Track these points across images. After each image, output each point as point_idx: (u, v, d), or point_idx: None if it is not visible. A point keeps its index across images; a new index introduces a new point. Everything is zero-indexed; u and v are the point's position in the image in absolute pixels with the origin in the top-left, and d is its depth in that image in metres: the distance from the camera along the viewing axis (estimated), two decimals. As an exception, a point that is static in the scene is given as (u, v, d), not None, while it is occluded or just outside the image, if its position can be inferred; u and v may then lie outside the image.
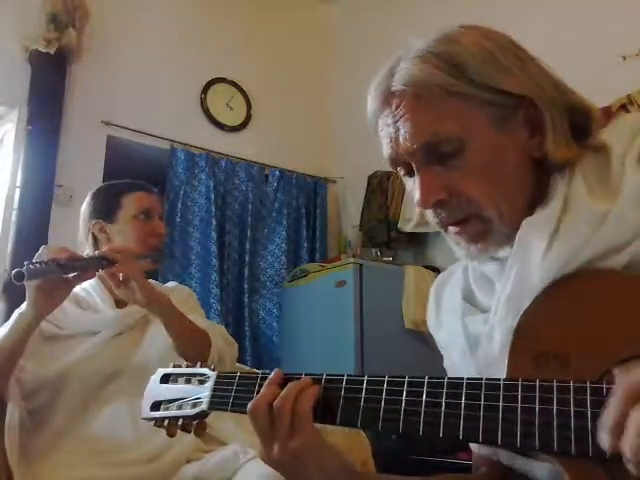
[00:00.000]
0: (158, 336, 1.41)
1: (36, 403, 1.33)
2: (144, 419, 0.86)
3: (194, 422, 0.82)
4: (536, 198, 0.72)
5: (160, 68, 3.64)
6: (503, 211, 0.71)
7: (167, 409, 0.84)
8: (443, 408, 0.62)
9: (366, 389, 0.68)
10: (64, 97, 3.24)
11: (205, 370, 0.84)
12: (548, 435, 0.56)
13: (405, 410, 0.64)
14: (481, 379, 0.61)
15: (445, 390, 0.63)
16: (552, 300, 0.65)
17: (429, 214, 0.75)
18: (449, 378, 0.64)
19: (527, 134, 0.72)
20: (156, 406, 0.85)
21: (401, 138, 0.72)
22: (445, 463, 2.38)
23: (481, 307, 0.78)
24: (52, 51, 3.12)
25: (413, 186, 0.74)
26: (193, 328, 1.39)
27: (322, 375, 0.72)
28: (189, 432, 0.82)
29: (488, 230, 0.72)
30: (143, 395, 1.34)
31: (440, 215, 0.73)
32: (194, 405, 0.81)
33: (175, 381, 0.86)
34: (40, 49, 3.11)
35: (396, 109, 0.72)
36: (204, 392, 0.81)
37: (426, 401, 0.64)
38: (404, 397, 0.65)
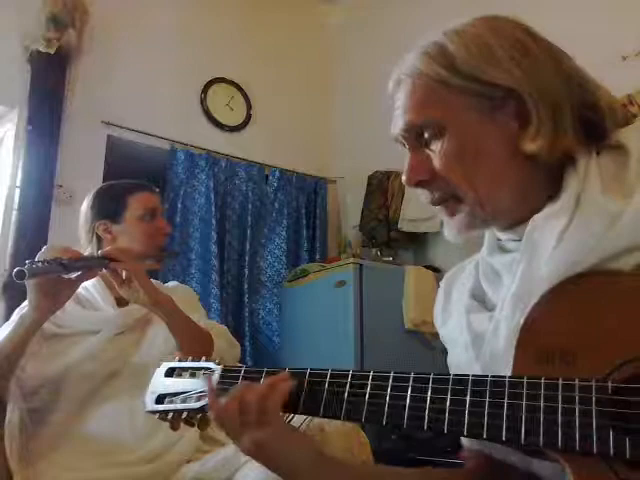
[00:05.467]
0: (158, 336, 1.41)
1: (36, 402, 1.33)
2: (148, 412, 0.86)
3: (198, 416, 0.81)
4: (547, 192, 0.73)
5: (160, 68, 3.64)
6: (481, 195, 0.74)
7: (171, 402, 0.83)
8: (448, 404, 0.63)
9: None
10: (64, 97, 3.23)
11: (210, 364, 0.84)
12: (552, 432, 0.56)
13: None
14: (487, 376, 0.62)
15: (450, 386, 0.64)
16: (560, 298, 0.65)
17: (419, 192, 0.80)
18: (455, 375, 0.64)
19: (517, 125, 0.73)
20: (160, 399, 0.85)
21: (397, 119, 0.79)
22: (445, 463, 2.38)
23: (489, 304, 0.78)
24: (52, 51, 3.12)
25: None
26: (196, 328, 1.40)
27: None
28: (192, 426, 0.82)
29: (462, 208, 0.76)
30: (143, 395, 1.35)
31: (425, 194, 0.79)
32: (199, 398, 0.81)
33: (180, 375, 0.86)
34: (40, 49, 3.10)
35: (399, 94, 0.79)
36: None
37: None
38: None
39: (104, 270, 1.35)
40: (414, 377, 0.67)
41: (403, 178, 0.78)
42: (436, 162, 0.75)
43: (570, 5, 2.89)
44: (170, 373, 0.88)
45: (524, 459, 0.70)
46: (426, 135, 0.75)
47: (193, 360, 0.88)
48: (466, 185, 0.73)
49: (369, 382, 0.69)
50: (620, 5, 2.69)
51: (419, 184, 0.77)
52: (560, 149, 0.72)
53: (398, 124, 0.78)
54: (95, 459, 1.25)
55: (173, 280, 2.04)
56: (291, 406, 0.75)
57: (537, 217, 0.71)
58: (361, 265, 3.18)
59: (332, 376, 0.73)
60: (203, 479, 1.24)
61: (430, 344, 3.07)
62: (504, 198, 0.74)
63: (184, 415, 0.81)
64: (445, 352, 0.88)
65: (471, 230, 0.77)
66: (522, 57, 0.73)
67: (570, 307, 0.64)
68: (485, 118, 0.73)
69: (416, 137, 0.77)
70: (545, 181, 0.74)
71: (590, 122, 0.73)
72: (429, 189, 0.77)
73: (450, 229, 0.78)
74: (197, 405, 0.80)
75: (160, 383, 0.87)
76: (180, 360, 0.89)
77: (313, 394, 0.73)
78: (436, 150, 0.75)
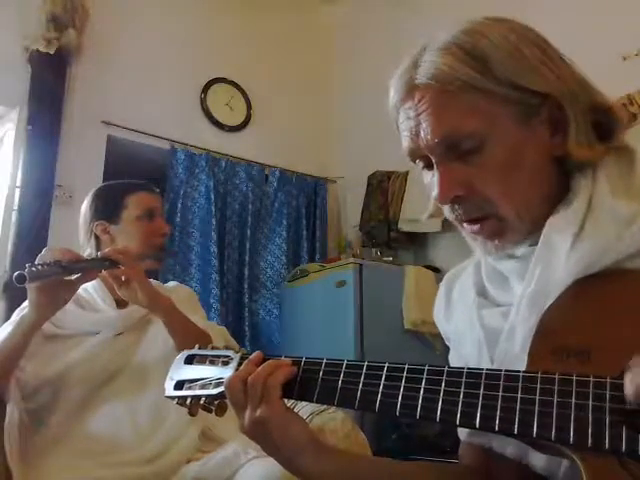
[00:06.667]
0: (158, 337, 1.41)
1: (36, 403, 1.33)
2: (167, 397, 0.87)
3: (216, 402, 0.83)
4: (556, 196, 0.72)
5: (160, 68, 3.64)
6: (521, 210, 0.70)
7: (190, 388, 0.85)
8: (461, 397, 0.63)
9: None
10: (64, 97, 3.24)
11: (229, 352, 0.86)
12: (565, 427, 0.56)
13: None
14: (500, 370, 0.62)
15: (464, 379, 0.64)
16: (576, 298, 0.65)
17: (446, 209, 0.75)
18: (469, 368, 0.64)
19: (549, 132, 0.71)
20: (179, 385, 0.87)
21: (422, 132, 0.71)
22: (445, 463, 2.37)
23: (495, 302, 0.78)
24: (52, 51, 3.12)
25: (431, 180, 0.74)
26: (194, 329, 1.39)
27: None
28: (210, 412, 0.84)
29: (505, 228, 0.72)
30: (143, 395, 1.35)
31: (457, 211, 0.73)
32: (217, 385, 0.82)
33: (200, 362, 0.88)
34: (40, 49, 3.11)
35: (419, 102, 0.71)
36: (227, 372, 0.82)
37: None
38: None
39: (103, 271, 1.35)
40: (428, 369, 0.67)
41: (434, 195, 0.72)
42: (476, 175, 0.70)
43: (570, 5, 2.89)
44: (190, 360, 0.89)
45: (520, 450, 0.70)
46: (464, 147, 0.69)
47: (213, 348, 0.90)
48: (506, 200, 0.70)
49: (384, 373, 0.70)
50: (620, 5, 2.69)
51: (454, 200, 0.72)
52: (592, 154, 0.70)
53: (425, 137, 0.70)
54: (95, 459, 1.25)
55: (173, 280, 2.04)
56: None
57: (553, 220, 0.70)
58: (361, 265, 3.19)
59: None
60: (203, 479, 1.24)
61: (430, 344, 3.07)
62: (539, 206, 0.71)
63: (202, 401, 0.83)
64: (446, 351, 0.88)
65: (509, 244, 0.73)
66: (548, 60, 0.70)
67: (585, 306, 0.64)
68: (522, 127, 0.69)
69: (447, 150, 0.70)
70: (552, 185, 0.73)
71: (597, 124, 0.72)
72: (464, 206, 0.72)
73: (486, 247, 0.74)
74: (215, 391, 0.82)
75: (179, 369, 0.89)
76: (200, 348, 0.91)
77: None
78: (475, 163, 0.69)
